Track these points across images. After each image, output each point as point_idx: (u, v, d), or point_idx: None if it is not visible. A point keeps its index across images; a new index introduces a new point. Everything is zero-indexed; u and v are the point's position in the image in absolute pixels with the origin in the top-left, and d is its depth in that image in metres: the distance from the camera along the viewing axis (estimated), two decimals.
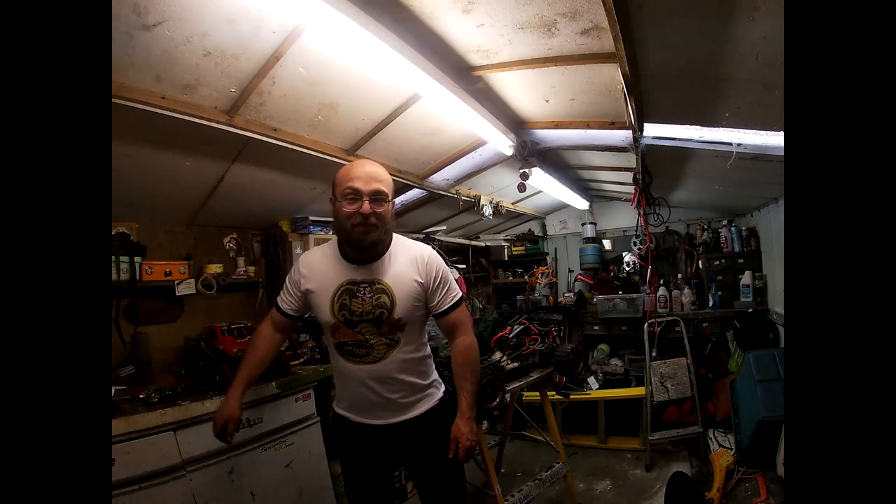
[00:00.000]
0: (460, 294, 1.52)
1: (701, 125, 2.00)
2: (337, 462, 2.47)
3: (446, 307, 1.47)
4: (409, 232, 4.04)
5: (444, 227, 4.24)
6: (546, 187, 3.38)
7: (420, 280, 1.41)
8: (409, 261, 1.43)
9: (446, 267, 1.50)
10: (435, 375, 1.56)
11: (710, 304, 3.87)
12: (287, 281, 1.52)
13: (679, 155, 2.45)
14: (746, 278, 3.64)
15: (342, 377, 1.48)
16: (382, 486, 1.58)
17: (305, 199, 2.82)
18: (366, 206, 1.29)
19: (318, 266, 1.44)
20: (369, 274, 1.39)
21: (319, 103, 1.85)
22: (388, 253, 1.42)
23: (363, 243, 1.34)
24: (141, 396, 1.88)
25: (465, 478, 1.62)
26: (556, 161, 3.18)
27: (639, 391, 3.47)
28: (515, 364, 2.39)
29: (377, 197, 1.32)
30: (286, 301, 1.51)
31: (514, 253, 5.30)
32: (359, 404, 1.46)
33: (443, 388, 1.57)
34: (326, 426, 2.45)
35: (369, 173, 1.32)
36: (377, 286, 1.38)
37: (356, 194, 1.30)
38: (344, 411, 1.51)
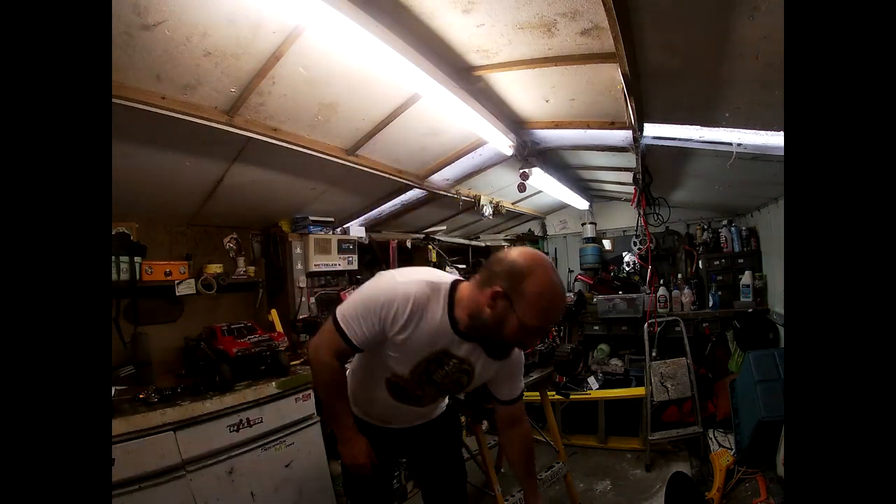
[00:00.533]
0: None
1: (701, 125, 2.00)
2: (337, 462, 2.48)
3: (516, 396, 1.44)
4: (409, 232, 4.04)
5: (444, 227, 4.24)
6: (546, 187, 3.38)
7: (501, 372, 1.38)
8: None
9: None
10: None
11: (710, 304, 3.87)
12: (370, 312, 1.17)
13: (679, 155, 2.45)
14: (746, 278, 3.64)
15: (376, 399, 1.39)
16: (383, 485, 1.59)
17: (305, 199, 2.83)
18: (536, 340, 1.25)
19: (423, 319, 1.19)
20: (466, 352, 1.27)
21: (319, 103, 1.85)
22: None
23: (499, 354, 1.29)
24: (141, 396, 1.88)
25: (466, 475, 1.66)
26: (556, 161, 3.18)
27: (639, 391, 3.47)
28: None
29: None
30: (363, 335, 1.19)
31: None
32: (383, 417, 1.46)
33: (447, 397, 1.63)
34: (326, 426, 2.45)
35: (558, 317, 1.23)
36: (465, 366, 1.29)
37: (539, 332, 1.18)
38: (361, 415, 1.47)
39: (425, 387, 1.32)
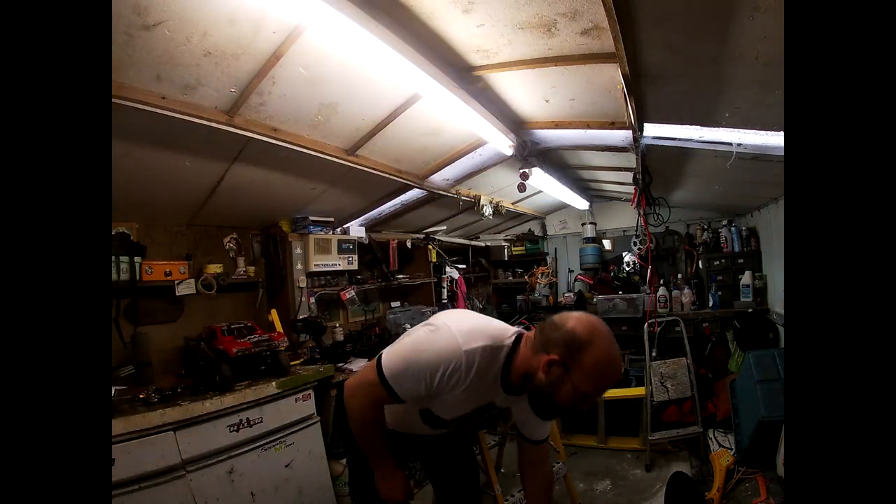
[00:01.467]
0: None
1: (701, 125, 2.00)
2: (337, 462, 2.48)
3: (543, 437, 1.44)
4: (409, 232, 4.04)
5: (444, 227, 4.24)
6: (546, 187, 3.38)
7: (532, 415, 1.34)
8: None
9: None
10: None
11: (710, 304, 3.87)
12: (424, 374, 1.14)
13: (679, 155, 2.45)
14: (746, 278, 3.64)
15: (406, 421, 1.38)
16: None
17: (305, 199, 2.83)
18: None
19: (477, 381, 1.17)
20: (509, 403, 1.30)
21: (319, 103, 1.85)
22: None
23: (546, 417, 1.27)
24: (141, 396, 1.88)
25: (478, 472, 1.69)
26: (556, 161, 3.18)
27: (639, 391, 3.47)
28: None
29: None
30: (411, 392, 1.18)
31: (514, 253, 5.30)
32: (408, 430, 1.44)
33: None
34: (326, 426, 2.45)
35: (616, 381, 1.18)
36: (504, 412, 1.34)
37: (588, 399, 1.13)
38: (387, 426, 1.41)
39: (460, 424, 1.35)
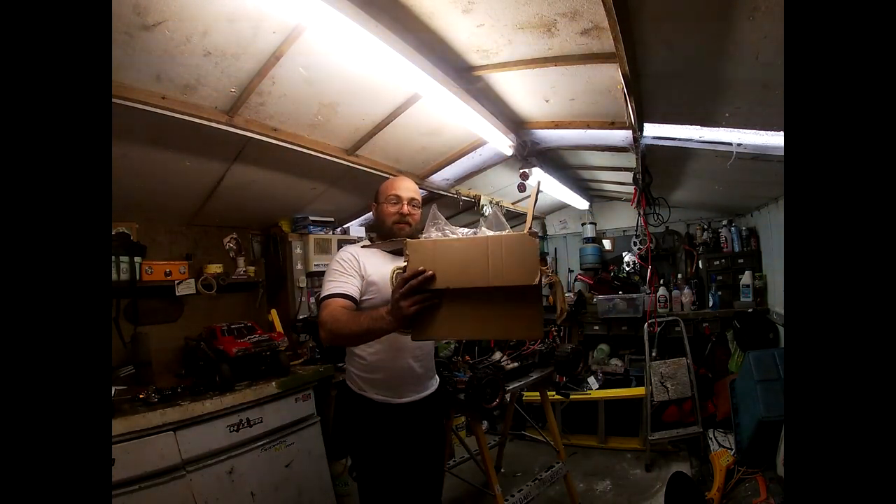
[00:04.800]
0: None
1: (701, 125, 2.00)
2: (338, 462, 2.47)
3: None
4: None
5: None
6: (546, 187, 3.38)
7: None
8: None
9: None
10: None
11: (710, 304, 3.86)
12: (340, 270, 1.52)
13: (679, 155, 2.45)
14: (746, 278, 3.63)
15: (393, 354, 1.57)
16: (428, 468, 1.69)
17: (305, 199, 2.83)
18: (405, 208, 1.64)
19: (368, 258, 1.58)
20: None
21: (319, 103, 1.85)
22: None
23: (400, 235, 1.62)
24: (141, 396, 1.88)
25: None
26: (556, 161, 3.18)
27: (639, 391, 3.47)
28: (515, 364, 2.39)
29: (412, 202, 1.68)
30: (350, 285, 1.49)
31: None
32: (399, 381, 1.59)
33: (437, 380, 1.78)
34: (326, 426, 2.45)
35: (408, 186, 1.70)
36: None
37: (398, 199, 1.64)
38: (379, 395, 1.57)
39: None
